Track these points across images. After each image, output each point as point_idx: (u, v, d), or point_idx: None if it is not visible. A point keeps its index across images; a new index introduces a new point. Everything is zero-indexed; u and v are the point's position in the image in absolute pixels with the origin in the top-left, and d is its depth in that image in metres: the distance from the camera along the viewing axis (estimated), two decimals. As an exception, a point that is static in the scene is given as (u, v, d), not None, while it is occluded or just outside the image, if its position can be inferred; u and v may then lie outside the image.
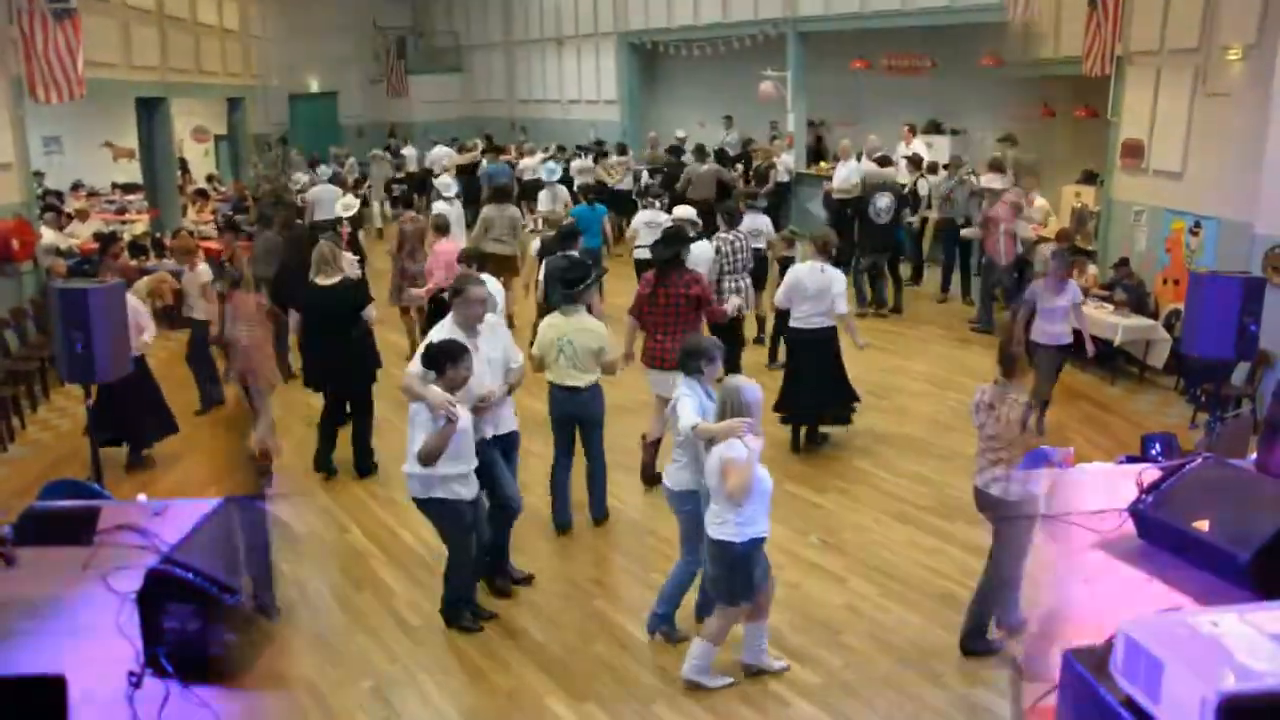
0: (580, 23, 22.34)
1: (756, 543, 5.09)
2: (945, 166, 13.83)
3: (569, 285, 6.99)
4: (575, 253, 8.60)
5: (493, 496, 6.16)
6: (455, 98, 26.52)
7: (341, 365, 8.16)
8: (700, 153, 15.95)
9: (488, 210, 12.12)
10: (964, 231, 12.49)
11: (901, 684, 5.32)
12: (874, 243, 12.40)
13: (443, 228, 11.28)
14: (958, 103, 16.76)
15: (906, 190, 13.41)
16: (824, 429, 8.69)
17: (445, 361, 5.44)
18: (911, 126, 15.78)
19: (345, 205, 14.58)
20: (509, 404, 6.38)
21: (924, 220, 13.85)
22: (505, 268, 12.46)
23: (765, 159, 16.48)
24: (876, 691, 5.28)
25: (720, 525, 5.05)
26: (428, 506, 5.71)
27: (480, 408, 5.87)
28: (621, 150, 18.54)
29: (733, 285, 9.44)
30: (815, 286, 8.25)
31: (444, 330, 5.93)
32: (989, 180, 12.15)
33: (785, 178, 16.43)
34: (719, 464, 5.00)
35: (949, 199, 12.93)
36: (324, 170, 19.29)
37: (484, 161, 19.28)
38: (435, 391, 5.38)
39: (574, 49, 22.79)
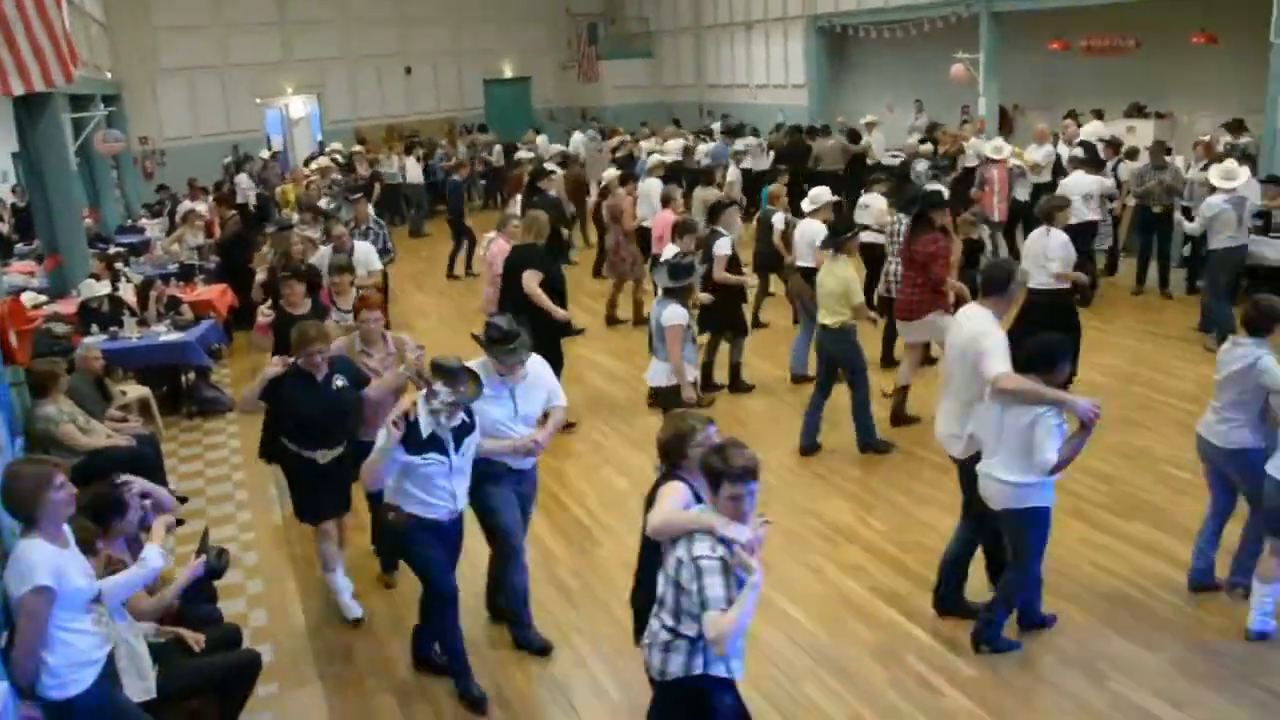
0: (769, 6, 22.27)
1: None
2: (1149, 150, 13.12)
3: (836, 234, 7.95)
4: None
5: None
6: (645, 83, 26.88)
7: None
8: (826, 129, 17.18)
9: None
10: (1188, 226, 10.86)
11: (1060, 682, 5.17)
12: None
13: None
14: (1163, 84, 15.90)
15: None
16: None
17: (1060, 361, 5.07)
18: (1098, 111, 15.25)
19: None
20: None
21: (1123, 207, 13.17)
22: None
23: (953, 144, 16.02)
24: (1034, 688, 5.16)
25: None
26: (1022, 518, 5.11)
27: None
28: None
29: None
30: (1035, 249, 8.68)
31: (990, 319, 5.34)
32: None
33: (974, 162, 15.91)
34: None
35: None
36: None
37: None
38: (1072, 397, 4.96)
39: (763, 33, 22.73)
